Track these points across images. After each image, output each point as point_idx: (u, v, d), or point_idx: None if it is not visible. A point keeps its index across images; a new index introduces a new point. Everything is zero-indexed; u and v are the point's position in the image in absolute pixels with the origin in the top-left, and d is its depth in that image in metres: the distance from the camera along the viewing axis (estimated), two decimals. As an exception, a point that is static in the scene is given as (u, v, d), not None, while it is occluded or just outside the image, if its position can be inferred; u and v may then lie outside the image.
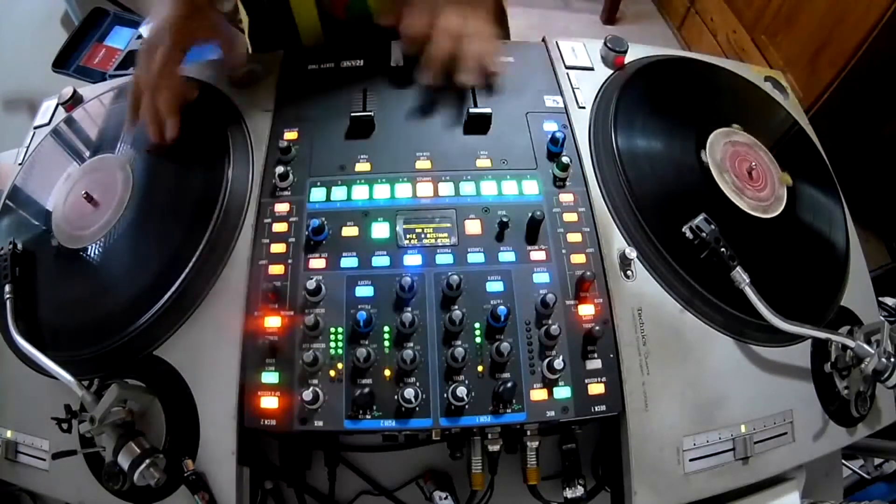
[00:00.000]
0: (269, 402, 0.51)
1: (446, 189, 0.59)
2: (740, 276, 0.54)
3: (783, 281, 0.59)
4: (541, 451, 0.54)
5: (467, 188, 0.59)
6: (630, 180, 0.59)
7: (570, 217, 0.58)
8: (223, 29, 0.66)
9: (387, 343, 0.52)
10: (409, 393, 0.49)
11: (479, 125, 0.63)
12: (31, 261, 0.60)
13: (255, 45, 0.88)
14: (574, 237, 0.57)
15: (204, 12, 0.64)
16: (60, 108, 0.74)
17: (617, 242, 0.57)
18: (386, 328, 0.53)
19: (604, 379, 0.52)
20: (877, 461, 0.95)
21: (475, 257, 0.56)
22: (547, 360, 0.51)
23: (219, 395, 0.51)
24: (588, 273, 0.54)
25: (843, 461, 0.80)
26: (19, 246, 0.60)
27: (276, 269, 0.55)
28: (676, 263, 0.56)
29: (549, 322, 0.52)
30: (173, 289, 0.54)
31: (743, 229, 0.60)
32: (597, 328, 0.52)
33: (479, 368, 0.52)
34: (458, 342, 0.52)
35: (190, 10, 0.61)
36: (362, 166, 0.61)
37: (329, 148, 0.62)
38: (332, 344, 0.52)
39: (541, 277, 0.55)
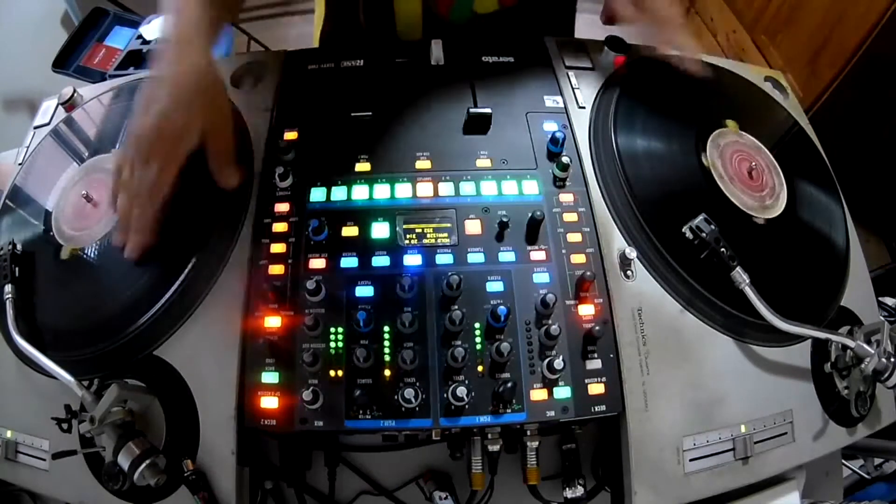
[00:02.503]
0: (269, 402, 0.51)
1: (446, 189, 0.59)
2: (740, 276, 0.54)
3: (783, 281, 0.59)
4: (541, 451, 0.54)
5: (467, 188, 0.59)
6: (630, 180, 0.59)
7: (570, 217, 0.58)
8: (228, 128, 0.57)
9: (387, 343, 0.52)
10: (408, 393, 0.49)
11: (479, 125, 0.63)
12: (31, 261, 0.60)
13: (324, 39, 0.84)
14: (574, 237, 0.57)
15: (217, 105, 0.54)
16: (60, 108, 0.74)
17: (617, 242, 0.57)
18: (386, 328, 0.53)
19: (604, 379, 0.52)
20: (877, 461, 0.95)
21: (475, 257, 0.56)
22: (547, 360, 0.51)
23: (219, 395, 0.51)
24: (588, 273, 0.54)
25: (843, 461, 0.80)
26: (19, 246, 0.60)
27: (276, 269, 0.55)
28: (676, 263, 0.56)
29: (549, 322, 0.52)
30: (173, 289, 0.54)
31: (743, 229, 0.60)
32: (597, 328, 0.52)
33: (479, 368, 0.52)
34: (458, 342, 0.52)
35: (199, 103, 0.51)
36: (362, 166, 0.61)
37: (329, 148, 0.62)
38: (332, 344, 0.52)
39: (541, 277, 0.55)
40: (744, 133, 0.67)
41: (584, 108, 0.66)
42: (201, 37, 0.53)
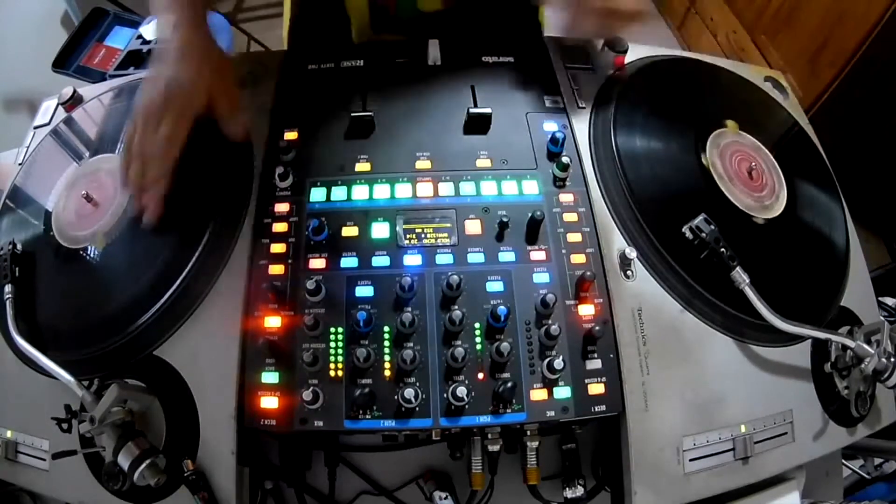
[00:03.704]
0: (269, 402, 0.51)
1: (446, 189, 0.59)
2: (740, 276, 0.54)
3: (783, 281, 0.59)
4: (541, 451, 0.54)
5: (467, 188, 0.59)
6: (630, 180, 0.59)
7: (570, 217, 0.58)
8: (232, 87, 0.60)
9: (387, 343, 0.52)
10: (409, 393, 0.49)
11: (479, 125, 0.63)
12: (31, 261, 0.60)
13: (295, 38, 0.85)
14: (574, 237, 0.57)
15: (221, 70, 0.57)
16: (60, 108, 0.74)
17: (617, 242, 0.57)
18: (386, 328, 0.53)
19: (604, 379, 0.52)
20: (877, 461, 0.95)
21: (475, 257, 0.56)
22: (547, 360, 0.51)
23: (219, 395, 0.51)
24: (588, 273, 0.54)
25: (843, 461, 0.79)
26: (19, 246, 0.60)
27: (276, 269, 0.55)
28: (676, 263, 0.56)
29: (549, 322, 0.52)
30: (173, 289, 0.54)
31: (743, 229, 0.60)
32: (597, 328, 0.52)
33: (479, 369, 0.52)
34: (458, 342, 0.52)
35: (205, 70, 0.54)
36: (362, 166, 0.61)
37: (329, 148, 0.62)
38: (332, 344, 0.52)
39: (541, 277, 0.55)
40: (743, 133, 0.67)
41: (584, 108, 0.66)
42: (196, 6, 0.56)
